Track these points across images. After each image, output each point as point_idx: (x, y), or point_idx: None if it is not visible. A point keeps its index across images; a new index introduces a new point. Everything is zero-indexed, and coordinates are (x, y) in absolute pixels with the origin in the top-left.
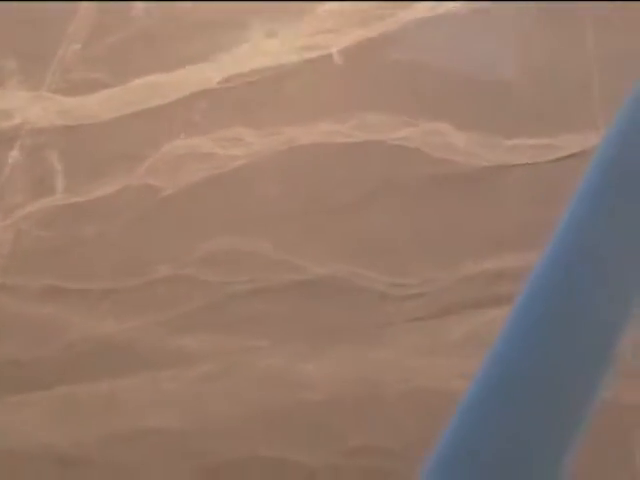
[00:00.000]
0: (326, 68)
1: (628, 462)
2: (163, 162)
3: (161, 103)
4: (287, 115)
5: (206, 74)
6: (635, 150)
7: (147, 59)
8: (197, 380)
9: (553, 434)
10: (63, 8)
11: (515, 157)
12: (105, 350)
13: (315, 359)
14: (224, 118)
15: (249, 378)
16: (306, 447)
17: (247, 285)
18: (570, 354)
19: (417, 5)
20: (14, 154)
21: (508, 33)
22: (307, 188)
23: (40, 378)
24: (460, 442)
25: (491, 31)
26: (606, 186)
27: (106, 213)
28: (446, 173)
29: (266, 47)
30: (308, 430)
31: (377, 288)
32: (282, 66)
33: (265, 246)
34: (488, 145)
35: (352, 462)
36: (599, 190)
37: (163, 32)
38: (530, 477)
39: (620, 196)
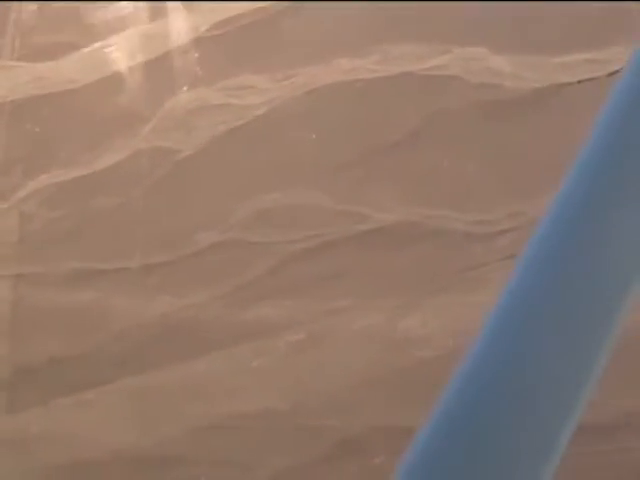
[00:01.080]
0: (319, 5)
1: None
2: (171, 120)
3: (147, 59)
4: (296, 56)
5: (188, 23)
6: None
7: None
8: (287, 353)
9: (537, 437)
10: None
11: (566, 75)
12: (165, 333)
13: (416, 313)
14: (226, 66)
15: (348, 342)
16: None
17: (309, 242)
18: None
19: None
20: None
21: None
22: (345, 130)
23: (95, 373)
24: (438, 441)
25: None
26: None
27: (120, 183)
28: (495, 99)
29: None
30: (434, 392)
31: (458, 228)
32: (272, 6)
33: (318, 197)
34: (533, 66)
35: None
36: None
37: None
38: None
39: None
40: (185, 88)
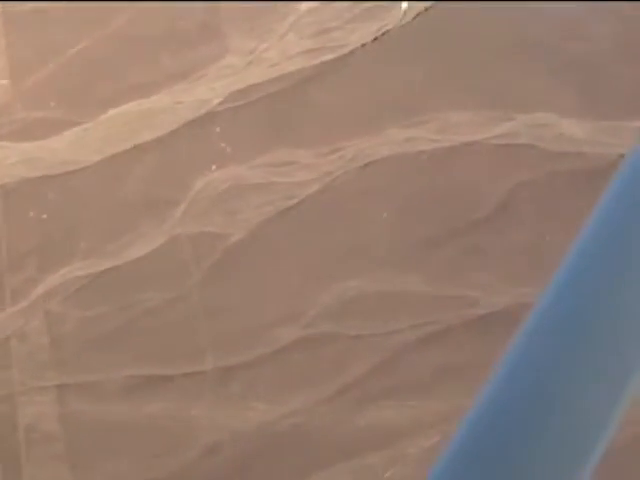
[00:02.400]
0: (352, 67)
1: None
2: (205, 202)
3: (156, 136)
4: (334, 126)
5: (196, 95)
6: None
7: (107, 86)
8: (422, 459)
9: (569, 446)
10: None
11: None
12: (268, 447)
13: None
14: (256, 141)
15: None
16: None
17: (418, 332)
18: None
19: None
20: None
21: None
22: (420, 206)
23: None
24: (469, 447)
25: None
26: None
27: (163, 275)
28: (577, 168)
29: (262, 55)
30: None
31: None
32: (293, 73)
33: (411, 280)
34: (611, 130)
35: None
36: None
37: (113, 54)
38: None
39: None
40: (214, 167)
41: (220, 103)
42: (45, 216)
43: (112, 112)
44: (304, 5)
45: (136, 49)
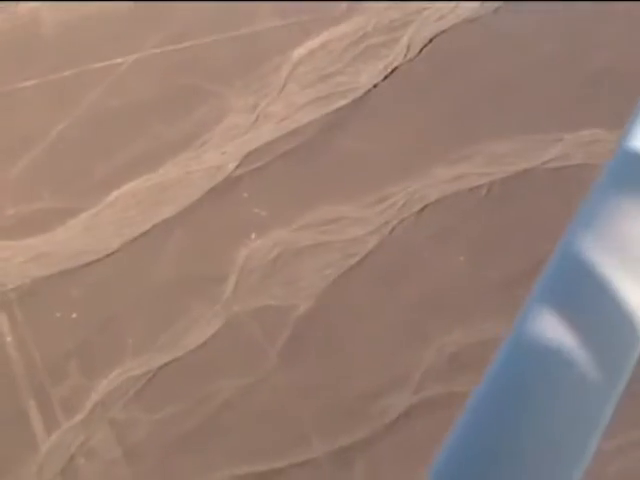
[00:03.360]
0: (370, 109)
1: None
2: (256, 273)
3: (178, 209)
4: (372, 175)
5: (207, 162)
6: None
7: (102, 166)
8: None
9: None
10: None
11: None
12: None
13: None
14: (291, 202)
15: None
16: None
17: None
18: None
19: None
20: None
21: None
22: (496, 246)
23: None
24: (468, 443)
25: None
26: None
27: (235, 361)
28: None
29: (266, 111)
30: None
31: None
32: (306, 128)
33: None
34: None
35: None
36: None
37: (98, 130)
38: None
39: None
40: (253, 235)
41: (238, 167)
42: (75, 315)
43: (117, 193)
44: (295, 54)
45: (122, 121)
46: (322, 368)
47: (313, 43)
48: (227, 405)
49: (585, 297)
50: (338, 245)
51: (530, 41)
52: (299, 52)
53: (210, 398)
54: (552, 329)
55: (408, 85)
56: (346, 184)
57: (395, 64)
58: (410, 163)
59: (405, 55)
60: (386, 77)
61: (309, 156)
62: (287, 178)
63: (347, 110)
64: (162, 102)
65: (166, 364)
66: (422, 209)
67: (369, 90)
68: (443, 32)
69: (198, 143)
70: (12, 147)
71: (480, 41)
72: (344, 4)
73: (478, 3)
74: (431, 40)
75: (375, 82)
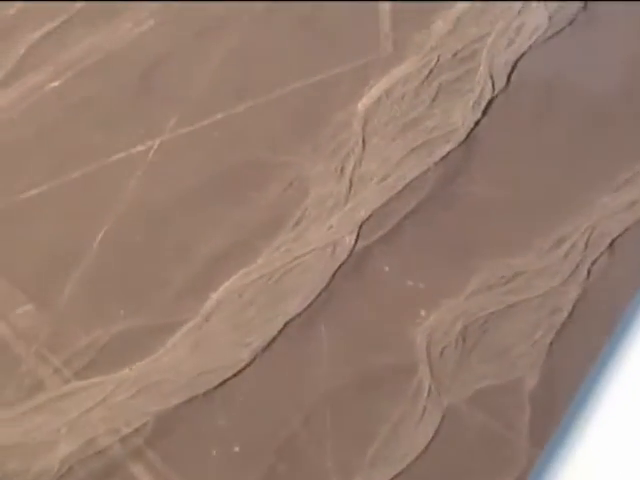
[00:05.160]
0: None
1: None
2: (449, 353)
3: (305, 301)
4: (518, 217)
5: (316, 242)
6: None
7: (183, 267)
8: None
9: None
10: None
11: None
12: None
13: None
14: (446, 265)
15: None
16: None
17: None
18: None
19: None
20: None
21: None
22: None
23: None
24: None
25: None
26: None
27: None
28: None
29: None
30: None
31: None
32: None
33: None
34: None
35: None
36: None
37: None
38: None
39: None
40: (423, 312)
41: (357, 240)
42: (237, 449)
43: (216, 296)
44: (360, 105)
45: (174, 213)
46: None
47: (376, 91)
48: None
49: None
50: (534, 303)
51: (621, 44)
52: (363, 103)
53: None
54: None
55: (512, 116)
56: (495, 234)
57: (487, 97)
58: (562, 198)
59: (493, 85)
60: (485, 112)
61: (438, 212)
62: (424, 241)
63: (457, 154)
64: (218, 184)
65: None
66: (611, 244)
67: (472, 129)
68: (523, 55)
69: (290, 224)
70: (55, 264)
71: (568, 56)
72: (388, 45)
73: (545, 20)
74: (515, 65)
75: (475, 119)
